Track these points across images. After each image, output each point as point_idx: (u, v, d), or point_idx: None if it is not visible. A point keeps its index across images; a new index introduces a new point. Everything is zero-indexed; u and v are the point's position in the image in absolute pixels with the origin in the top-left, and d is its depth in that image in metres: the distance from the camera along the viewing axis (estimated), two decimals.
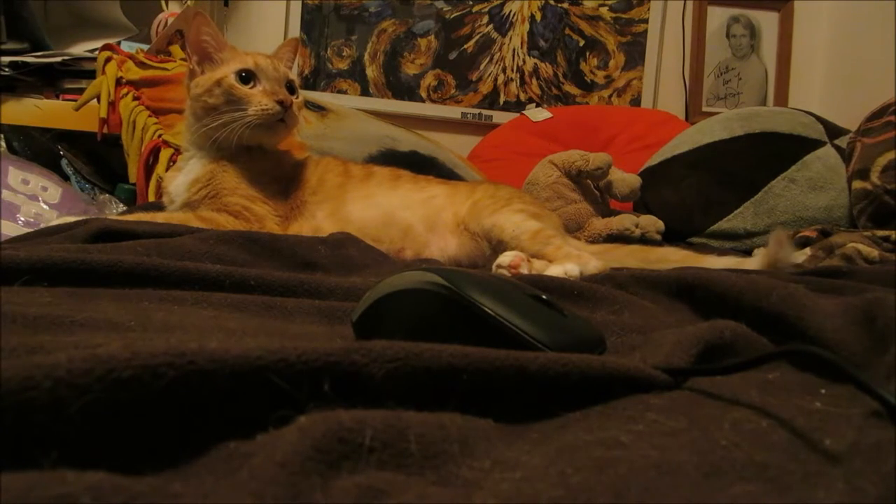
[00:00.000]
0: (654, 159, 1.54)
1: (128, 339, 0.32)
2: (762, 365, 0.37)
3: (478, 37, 2.04)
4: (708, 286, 0.52)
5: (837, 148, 1.37)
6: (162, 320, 0.38)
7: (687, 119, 2.05)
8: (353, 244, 0.78)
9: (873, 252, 0.99)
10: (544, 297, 0.40)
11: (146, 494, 0.19)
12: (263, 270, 0.55)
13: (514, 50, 2.06)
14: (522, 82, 2.07)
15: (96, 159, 1.55)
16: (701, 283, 0.53)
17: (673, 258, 0.94)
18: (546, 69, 2.08)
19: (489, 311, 0.35)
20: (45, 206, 1.25)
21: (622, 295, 0.55)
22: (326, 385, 0.25)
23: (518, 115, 1.98)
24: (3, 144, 1.48)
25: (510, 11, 2.05)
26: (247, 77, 0.92)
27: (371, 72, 1.99)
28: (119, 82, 1.29)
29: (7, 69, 1.36)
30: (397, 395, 0.27)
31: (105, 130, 1.31)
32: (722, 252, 1.11)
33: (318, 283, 0.54)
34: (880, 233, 1.10)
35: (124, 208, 1.30)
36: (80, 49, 1.49)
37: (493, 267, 0.79)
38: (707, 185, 1.39)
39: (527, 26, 2.06)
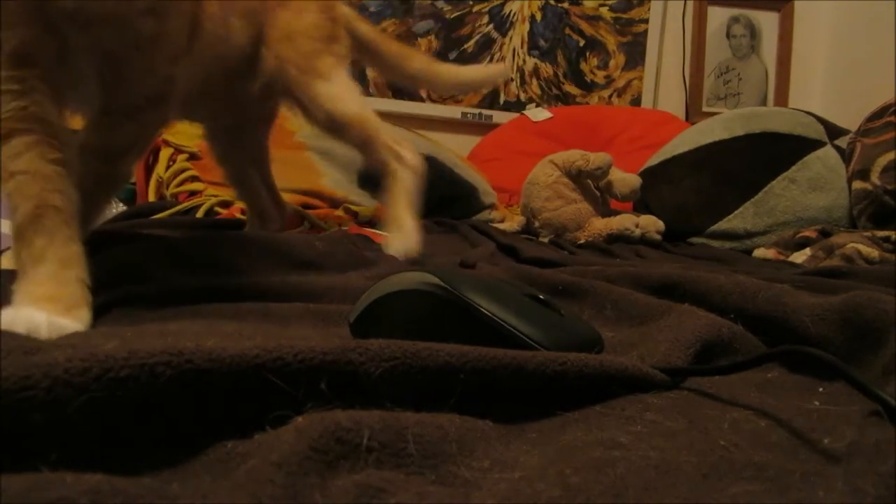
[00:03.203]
0: (655, 159, 1.54)
1: (125, 339, 0.32)
2: (760, 365, 0.37)
3: (478, 36, 2.04)
4: (694, 287, 0.52)
5: (837, 148, 1.37)
6: (157, 330, 0.38)
7: (687, 119, 2.05)
8: (349, 240, 0.78)
9: (873, 252, 0.99)
10: (541, 296, 0.40)
11: (145, 496, 0.19)
12: (258, 278, 0.54)
13: (514, 50, 2.06)
14: (522, 82, 2.07)
15: None
16: (687, 283, 0.53)
17: None
18: (546, 69, 2.08)
19: (485, 312, 0.35)
20: None
21: (609, 288, 0.55)
22: (323, 384, 0.25)
23: (518, 114, 1.98)
24: None
25: (510, 11, 2.05)
26: None
27: (371, 71, 1.99)
28: None
29: None
30: (395, 396, 0.27)
31: None
32: None
33: (312, 285, 0.53)
34: (880, 233, 1.10)
35: (124, 208, 1.30)
36: None
37: None
38: (707, 185, 1.39)
39: (527, 26, 2.06)
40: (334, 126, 0.76)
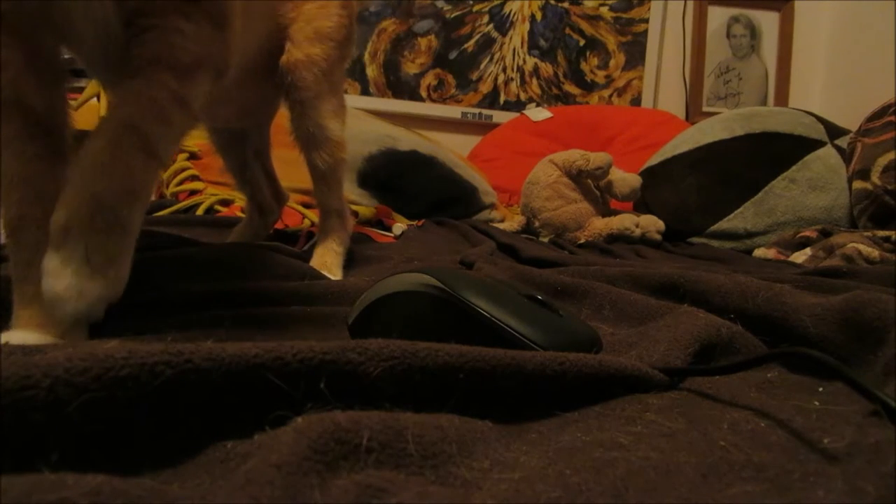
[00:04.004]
0: (655, 159, 1.54)
1: (124, 340, 0.32)
2: (759, 365, 0.37)
3: (478, 36, 2.04)
4: (694, 287, 0.52)
5: (838, 148, 1.37)
6: (155, 336, 0.38)
7: (687, 119, 2.05)
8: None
9: (874, 252, 0.99)
10: (539, 297, 0.40)
11: (145, 498, 0.19)
12: (254, 284, 0.54)
13: (514, 49, 2.06)
14: (523, 82, 2.07)
15: None
16: (687, 283, 0.53)
17: None
18: (546, 69, 2.08)
19: (483, 313, 0.35)
20: None
21: (608, 289, 0.55)
22: (323, 384, 0.25)
23: (518, 114, 1.98)
24: None
25: (510, 11, 2.05)
26: None
27: (371, 71, 1.99)
28: None
29: None
30: (394, 396, 0.27)
31: None
32: None
33: (309, 289, 0.53)
34: (881, 233, 1.10)
35: None
36: None
37: None
38: (707, 185, 1.39)
39: (527, 26, 2.06)
40: (315, 140, 0.73)
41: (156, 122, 0.39)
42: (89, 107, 1.31)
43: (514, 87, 2.07)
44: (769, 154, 1.37)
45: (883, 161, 1.23)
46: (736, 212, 1.34)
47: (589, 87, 2.10)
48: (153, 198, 1.22)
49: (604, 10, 2.08)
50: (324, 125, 0.72)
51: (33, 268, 0.38)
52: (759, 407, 0.31)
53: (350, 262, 0.77)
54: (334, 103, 0.74)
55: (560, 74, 2.09)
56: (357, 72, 1.98)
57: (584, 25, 2.08)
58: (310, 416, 0.23)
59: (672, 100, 2.12)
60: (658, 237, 1.29)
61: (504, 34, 2.05)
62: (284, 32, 0.70)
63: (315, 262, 0.71)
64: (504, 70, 2.06)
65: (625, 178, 1.35)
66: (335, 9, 0.74)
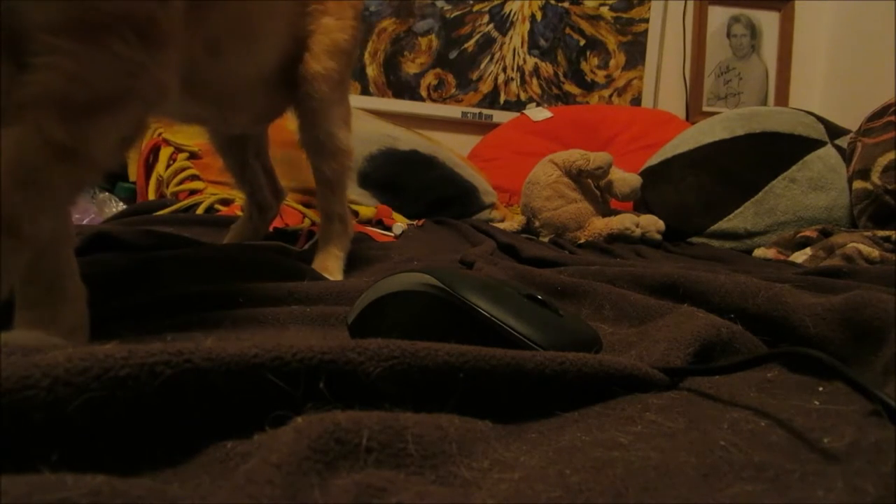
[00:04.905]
0: (655, 159, 1.54)
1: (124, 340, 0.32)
2: (759, 365, 0.37)
3: (478, 36, 2.04)
4: (694, 287, 0.52)
5: (838, 148, 1.37)
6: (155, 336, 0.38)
7: (687, 119, 2.05)
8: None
9: (874, 252, 0.99)
10: (539, 296, 0.40)
11: (145, 498, 0.19)
12: (254, 284, 0.54)
13: (514, 49, 2.06)
14: (523, 81, 2.07)
15: None
16: (687, 283, 0.53)
17: None
18: (546, 68, 2.08)
19: (483, 312, 0.35)
20: None
21: (609, 289, 0.55)
22: (322, 384, 0.25)
23: (518, 114, 1.98)
24: None
25: (511, 11, 2.05)
26: None
27: (371, 71, 1.99)
28: None
29: None
30: (394, 396, 0.27)
31: None
32: None
33: (308, 289, 0.53)
34: (881, 233, 1.10)
35: (124, 207, 1.30)
36: None
37: None
38: (707, 185, 1.39)
39: (527, 25, 2.06)
40: (324, 148, 0.73)
41: (20, 189, 0.30)
42: None
43: (514, 86, 2.07)
44: (769, 154, 1.37)
45: (883, 161, 1.23)
46: (736, 212, 1.34)
47: (589, 87, 2.10)
48: (152, 196, 1.23)
49: (604, 10, 2.08)
50: (333, 133, 0.73)
51: (35, 270, 0.39)
52: (759, 407, 0.31)
53: (350, 262, 0.77)
54: (343, 112, 0.75)
55: (560, 74, 2.09)
56: (357, 72, 1.98)
57: (584, 25, 2.08)
58: (310, 416, 0.23)
59: (672, 100, 2.12)
60: (658, 237, 1.29)
61: (504, 34, 2.05)
62: (303, 44, 0.71)
63: (316, 265, 0.72)
64: (504, 70, 2.06)
65: (625, 178, 1.35)
66: (350, 21, 0.74)
